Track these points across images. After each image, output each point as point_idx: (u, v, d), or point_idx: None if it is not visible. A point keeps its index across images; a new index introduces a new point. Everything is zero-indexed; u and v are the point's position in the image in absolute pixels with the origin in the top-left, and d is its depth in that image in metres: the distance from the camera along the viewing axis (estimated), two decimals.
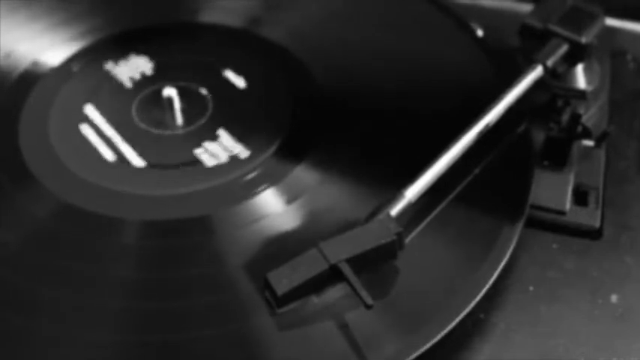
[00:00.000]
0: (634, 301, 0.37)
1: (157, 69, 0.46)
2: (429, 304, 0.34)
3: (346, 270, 0.33)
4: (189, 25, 0.49)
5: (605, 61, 0.48)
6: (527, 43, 0.45)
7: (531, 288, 0.38)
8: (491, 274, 0.35)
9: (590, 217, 0.40)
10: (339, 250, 0.33)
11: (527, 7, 0.48)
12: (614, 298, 0.37)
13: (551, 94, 0.44)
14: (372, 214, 0.35)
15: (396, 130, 0.42)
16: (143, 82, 0.45)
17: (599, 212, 0.41)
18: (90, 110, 0.44)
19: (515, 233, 0.37)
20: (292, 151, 0.41)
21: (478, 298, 0.34)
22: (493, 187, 0.39)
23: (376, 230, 0.34)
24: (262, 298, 0.34)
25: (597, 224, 0.40)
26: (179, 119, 0.43)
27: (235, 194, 0.39)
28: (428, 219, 0.37)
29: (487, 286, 0.35)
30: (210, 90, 0.44)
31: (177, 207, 0.38)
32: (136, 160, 0.41)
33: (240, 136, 0.41)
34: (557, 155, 0.41)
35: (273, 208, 0.38)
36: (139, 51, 0.47)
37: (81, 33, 0.48)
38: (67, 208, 0.38)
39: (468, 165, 0.39)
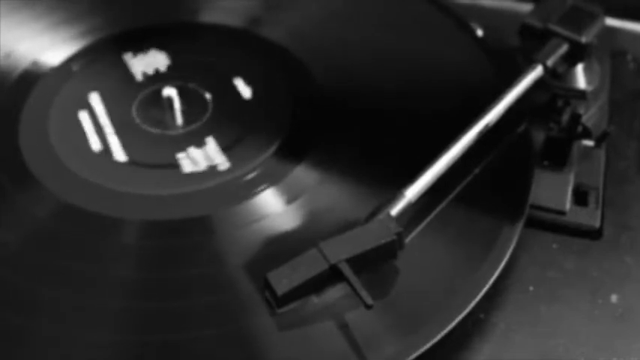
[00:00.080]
0: (634, 301, 0.37)
1: (172, 67, 0.46)
2: (429, 304, 0.34)
3: (346, 270, 0.33)
4: (189, 25, 0.49)
5: (605, 61, 0.48)
6: (527, 43, 0.45)
7: (531, 288, 0.38)
8: (491, 274, 0.35)
9: (590, 217, 0.40)
10: (339, 250, 0.33)
11: (527, 7, 0.48)
12: (614, 298, 0.37)
13: (551, 94, 0.44)
14: (372, 214, 0.35)
15: (396, 130, 0.42)
16: (153, 78, 0.45)
17: (599, 212, 0.41)
18: (94, 98, 0.44)
19: (515, 233, 0.37)
20: (292, 151, 0.41)
21: (478, 298, 0.34)
22: (493, 187, 0.39)
23: (376, 230, 0.34)
24: (262, 298, 0.34)
25: (597, 224, 0.40)
26: (176, 120, 0.43)
27: (235, 194, 0.39)
28: (428, 219, 0.37)
29: (487, 286, 0.35)
30: (214, 96, 0.44)
31: (177, 207, 0.38)
32: (119, 154, 0.41)
33: (225, 148, 0.41)
34: (557, 155, 0.41)
35: (273, 208, 0.38)
36: (161, 46, 0.47)
37: (81, 33, 0.48)
38: (67, 208, 0.38)
39: (467, 165, 0.39)
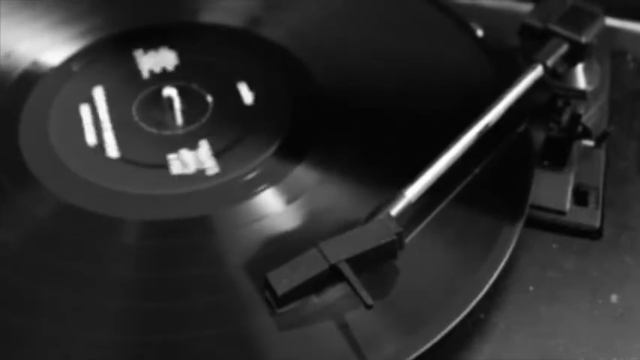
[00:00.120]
0: (634, 301, 0.37)
1: (179, 67, 0.46)
2: (429, 304, 0.34)
3: (346, 270, 0.33)
4: (190, 25, 0.49)
5: (605, 61, 0.48)
6: (527, 43, 0.45)
7: (531, 288, 0.38)
8: (491, 274, 0.35)
9: (590, 217, 0.40)
10: (339, 250, 0.33)
11: (527, 7, 0.48)
12: (614, 298, 0.37)
13: (551, 94, 0.44)
14: (372, 214, 0.35)
15: (396, 130, 0.42)
16: (159, 77, 0.45)
17: (599, 212, 0.41)
18: (98, 92, 0.44)
19: (515, 233, 0.37)
20: (292, 151, 0.41)
21: (478, 298, 0.34)
22: (493, 187, 0.39)
23: (376, 230, 0.34)
24: (262, 298, 0.34)
25: (597, 224, 0.40)
26: (174, 120, 0.43)
27: (235, 194, 0.39)
28: (428, 219, 0.37)
29: (487, 286, 0.35)
30: (216, 98, 0.44)
31: (177, 207, 0.38)
32: (112, 151, 0.41)
33: (217, 153, 0.41)
34: (557, 155, 0.41)
35: (273, 208, 0.38)
36: (172, 46, 0.47)
37: (81, 32, 0.48)
38: (67, 208, 0.38)
39: (467, 165, 0.39)
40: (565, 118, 0.41)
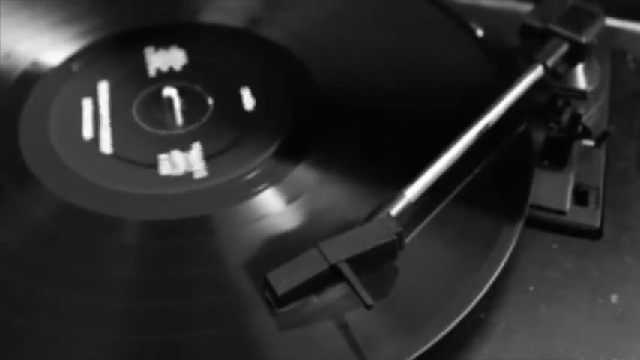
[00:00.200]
0: (634, 301, 0.37)
1: (187, 67, 0.46)
2: (429, 304, 0.34)
3: (346, 270, 0.33)
4: (189, 25, 0.49)
5: (605, 61, 0.48)
6: (527, 43, 0.45)
7: (531, 288, 0.38)
8: (491, 274, 0.35)
9: (590, 217, 0.40)
10: (339, 250, 0.33)
11: (527, 7, 0.48)
12: (614, 298, 0.37)
13: (551, 94, 0.44)
14: (372, 214, 0.35)
15: (396, 130, 0.42)
16: (165, 76, 0.45)
17: (599, 212, 0.41)
18: (103, 87, 0.44)
19: (515, 233, 0.37)
20: (292, 151, 0.41)
21: (478, 298, 0.34)
22: (493, 187, 0.39)
23: (376, 230, 0.34)
24: (262, 298, 0.34)
25: (597, 224, 0.40)
26: (173, 120, 0.43)
27: (235, 194, 0.39)
28: (428, 219, 0.37)
29: (487, 286, 0.35)
30: (216, 101, 0.44)
31: (177, 207, 0.38)
32: (106, 146, 0.41)
33: (208, 157, 0.40)
34: (557, 155, 0.41)
35: (273, 208, 0.38)
36: (180, 44, 0.47)
37: (81, 33, 0.48)
38: (67, 208, 0.38)
39: (468, 165, 0.39)
40: (565, 118, 0.41)
